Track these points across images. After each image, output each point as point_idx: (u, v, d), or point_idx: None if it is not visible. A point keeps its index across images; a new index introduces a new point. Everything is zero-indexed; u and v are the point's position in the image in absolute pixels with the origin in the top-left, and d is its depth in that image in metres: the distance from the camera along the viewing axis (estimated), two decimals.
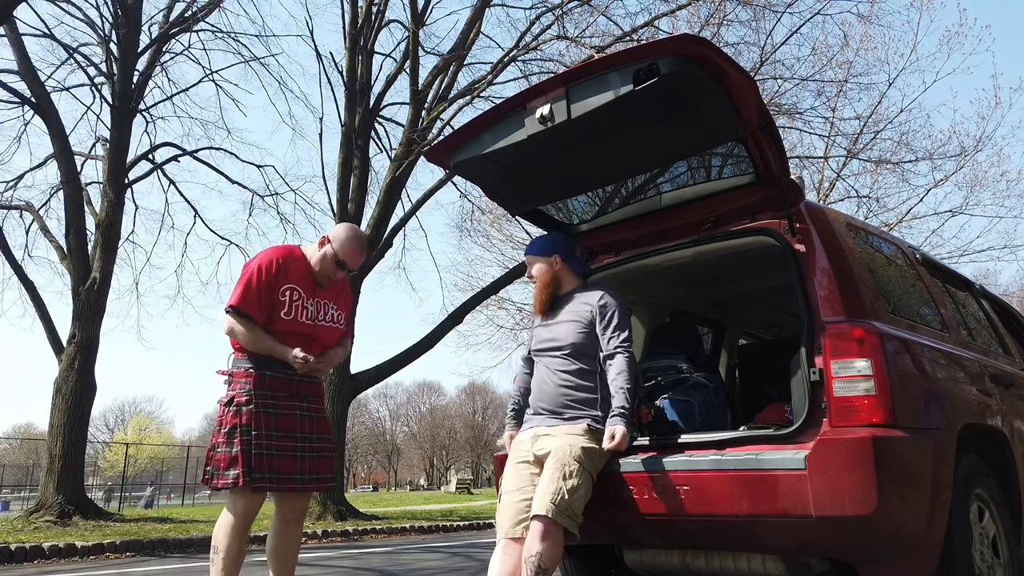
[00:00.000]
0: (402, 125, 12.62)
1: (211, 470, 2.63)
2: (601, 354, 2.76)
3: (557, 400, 2.75)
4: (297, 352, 2.65)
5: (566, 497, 2.42)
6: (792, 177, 2.67)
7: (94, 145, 12.43)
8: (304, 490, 2.76)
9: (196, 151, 12.98)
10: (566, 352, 2.78)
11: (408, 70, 11.88)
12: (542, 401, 2.81)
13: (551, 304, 2.94)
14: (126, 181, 11.35)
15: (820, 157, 15.26)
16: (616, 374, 2.68)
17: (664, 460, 2.51)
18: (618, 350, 2.71)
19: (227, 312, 2.72)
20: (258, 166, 20.41)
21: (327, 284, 2.88)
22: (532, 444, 2.71)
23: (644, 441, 2.70)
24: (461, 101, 12.17)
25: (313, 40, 14.61)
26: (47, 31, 11.31)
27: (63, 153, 10.39)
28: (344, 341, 3.02)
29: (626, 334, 2.75)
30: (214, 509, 17.55)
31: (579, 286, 2.96)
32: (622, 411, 2.60)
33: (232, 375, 2.73)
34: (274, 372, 2.72)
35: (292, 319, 2.75)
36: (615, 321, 2.75)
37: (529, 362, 3.03)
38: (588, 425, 2.65)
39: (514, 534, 2.53)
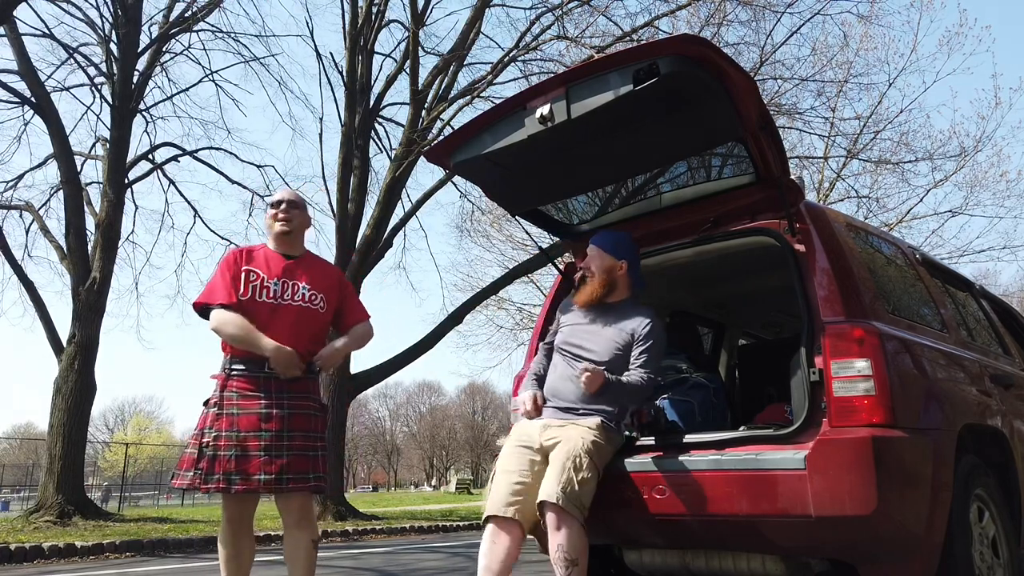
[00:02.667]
0: (402, 125, 12.62)
1: (174, 469, 2.68)
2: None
3: (575, 400, 2.73)
4: (269, 344, 2.59)
5: (576, 487, 2.41)
6: (792, 177, 2.67)
7: (94, 145, 12.43)
8: (271, 491, 2.63)
9: (196, 151, 12.98)
10: (601, 368, 2.72)
11: (408, 70, 11.88)
12: (558, 396, 2.78)
13: (596, 304, 2.89)
14: (126, 181, 11.35)
15: (820, 157, 15.26)
16: (628, 375, 2.72)
17: (664, 460, 2.51)
18: (640, 370, 2.73)
19: (196, 311, 2.78)
20: (258, 166, 20.38)
21: (281, 228, 2.82)
22: (540, 434, 2.68)
23: (644, 441, 2.70)
24: (461, 101, 12.18)
25: (313, 40, 14.63)
26: (47, 31, 11.32)
27: (63, 153, 10.39)
28: (353, 329, 2.92)
29: (653, 364, 2.75)
30: (214, 509, 17.54)
31: (628, 298, 2.91)
32: (617, 380, 2.65)
33: (216, 377, 2.74)
34: (240, 370, 2.68)
35: (250, 298, 2.71)
36: (648, 355, 2.75)
37: (549, 351, 2.98)
38: (601, 421, 2.64)
39: (504, 513, 2.49)
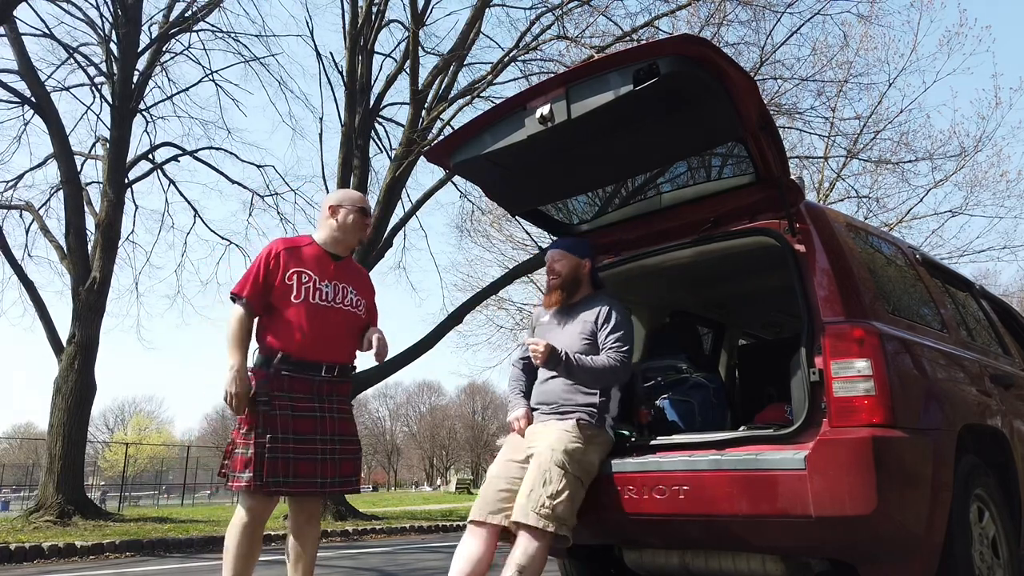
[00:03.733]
0: (402, 125, 12.62)
1: (228, 469, 2.61)
2: None
3: (557, 399, 2.77)
4: (236, 390, 2.54)
5: (547, 503, 2.45)
6: (792, 177, 2.67)
7: (94, 145, 12.43)
8: (324, 493, 2.68)
9: (196, 151, 12.98)
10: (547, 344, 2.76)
11: (408, 70, 11.87)
12: (542, 401, 2.83)
13: (563, 305, 2.95)
14: (126, 181, 11.35)
15: (820, 157, 15.26)
16: (595, 357, 2.73)
17: (664, 460, 2.51)
18: (608, 351, 2.74)
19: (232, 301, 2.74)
20: (258, 166, 20.35)
21: (363, 240, 2.90)
22: (526, 440, 2.76)
23: (644, 441, 2.70)
24: (461, 101, 12.18)
25: (313, 40, 14.62)
26: (47, 31, 11.32)
27: (63, 153, 10.39)
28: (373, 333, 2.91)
29: (620, 341, 2.76)
30: (214, 509, 17.56)
31: (589, 294, 2.97)
32: (567, 354, 2.65)
33: (254, 373, 2.66)
34: (292, 372, 2.65)
35: (304, 301, 2.68)
36: (613, 336, 2.77)
37: (525, 366, 3.03)
38: (578, 420, 2.67)
39: (489, 520, 2.58)
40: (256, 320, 2.73)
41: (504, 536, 2.61)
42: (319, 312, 2.69)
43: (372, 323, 2.93)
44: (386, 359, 2.81)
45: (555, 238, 3.39)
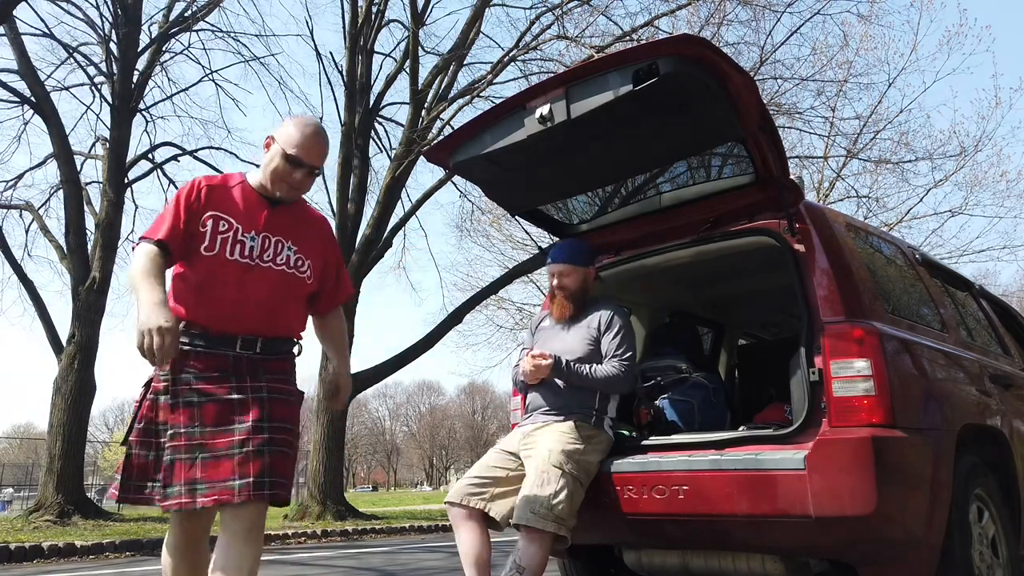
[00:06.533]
0: (402, 125, 12.62)
1: (114, 474, 2.04)
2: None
3: (555, 402, 2.76)
4: (163, 323, 1.82)
5: (546, 504, 2.45)
6: (792, 177, 2.67)
7: (94, 145, 12.42)
8: (248, 499, 1.89)
9: (196, 151, 12.97)
10: (549, 358, 2.75)
11: (408, 70, 11.88)
12: (539, 404, 2.82)
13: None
14: (126, 180, 11.34)
15: (820, 157, 15.26)
16: (599, 367, 2.74)
17: (663, 460, 2.52)
18: (612, 360, 2.76)
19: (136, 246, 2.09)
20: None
21: (289, 195, 2.15)
22: (519, 440, 2.76)
23: (644, 441, 2.70)
24: (461, 101, 12.17)
25: (313, 40, 14.57)
26: (47, 31, 11.30)
27: (63, 153, 10.39)
28: (330, 325, 2.34)
29: (624, 349, 2.78)
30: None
31: (590, 297, 2.97)
32: (571, 366, 2.69)
33: None
34: (199, 346, 2.01)
35: (217, 255, 2.02)
36: (616, 343, 2.79)
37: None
38: (575, 422, 2.66)
39: (463, 501, 2.63)
40: None
41: (491, 524, 2.66)
42: (233, 271, 2.03)
43: (330, 293, 2.29)
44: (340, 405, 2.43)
45: (555, 238, 3.39)
